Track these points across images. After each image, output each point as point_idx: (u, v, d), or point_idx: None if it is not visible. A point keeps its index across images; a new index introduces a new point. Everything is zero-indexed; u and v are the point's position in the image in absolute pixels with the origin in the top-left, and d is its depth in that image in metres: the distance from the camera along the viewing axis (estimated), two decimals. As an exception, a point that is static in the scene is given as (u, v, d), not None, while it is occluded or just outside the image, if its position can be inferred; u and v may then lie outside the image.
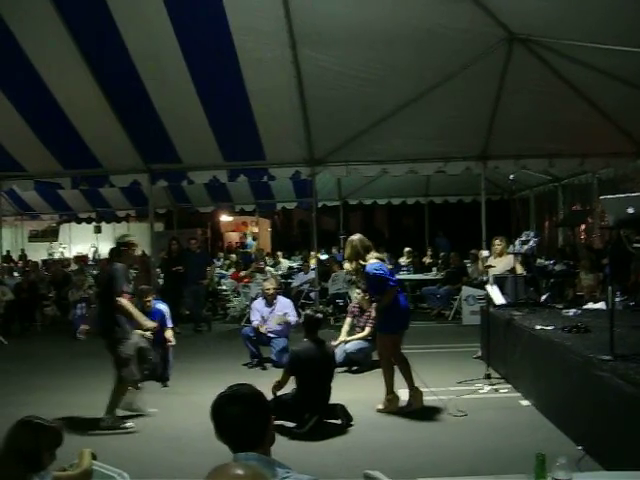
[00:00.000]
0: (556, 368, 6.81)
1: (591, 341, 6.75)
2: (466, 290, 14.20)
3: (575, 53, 10.03)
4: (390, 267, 8.63)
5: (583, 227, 18.43)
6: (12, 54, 10.47)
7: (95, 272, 18.16)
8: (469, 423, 7.03)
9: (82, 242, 27.83)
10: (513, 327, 8.51)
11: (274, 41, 10.27)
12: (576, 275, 13.20)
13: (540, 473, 2.68)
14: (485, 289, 10.00)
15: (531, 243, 9.89)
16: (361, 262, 7.60)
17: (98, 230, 24.43)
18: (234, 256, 21.60)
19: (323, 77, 11.03)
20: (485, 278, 10.76)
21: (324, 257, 19.93)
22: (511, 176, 10.59)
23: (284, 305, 10.74)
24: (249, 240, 28.13)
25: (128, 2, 9.84)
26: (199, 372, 9.61)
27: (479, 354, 10.04)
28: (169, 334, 9.21)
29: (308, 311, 7.77)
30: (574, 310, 9.14)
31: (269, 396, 2.69)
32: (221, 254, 24.00)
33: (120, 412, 7.41)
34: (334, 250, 22.22)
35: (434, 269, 17.59)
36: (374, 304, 8.43)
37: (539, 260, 15.77)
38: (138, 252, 7.94)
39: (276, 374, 7.72)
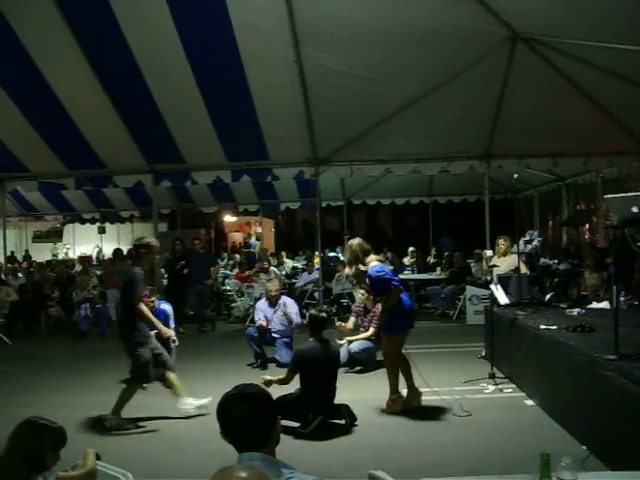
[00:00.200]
0: (560, 368, 6.79)
1: (596, 341, 6.73)
2: (470, 290, 14.18)
3: (578, 52, 10.00)
4: (391, 268, 8.62)
5: (587, 226, 18.40)
6: (15, 54, 10.48)
7: (99, 272, 18.20)
8: (473, 423, 7.02)
9: (86, 243, 27.91)
10: (517, 327, 8.50)
11: (277, 40, 10.26)
12: (580, 274, 13.18)
13: (545, 473, 2.67)
14: (489, 289, 9.98)
15: (535, 242, 9.89)
16: (360, 267, 7.59)
17: (102, 231, 24.47)
18: (238, 256, 21.61)
19: (326, 76, 11.02)
20: (489, 278, 10.75)
21: (332, 254, 19.92)
22: (515, 175, 10.56)
23: (288, 306, 10.72)
24: (253, 240, 28.14)
25: (131, 1, 9.83)
26: (202, 372, 9.61)
27: (483, 354, 10.02)
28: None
29: (313, 311, 7.76)
30: (578, 309, 9.12)
31: (275, 394, 2.72)
32: (225, 254, 24.01)
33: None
34: (338, 250, 22.21)
35: (438, 269, 17.56)
36: (378, 304, 8.44)
37: (543, 259, 15.73)
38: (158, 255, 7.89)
39: (280, 374, 7.72)
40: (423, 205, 23.16)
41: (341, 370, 7.79)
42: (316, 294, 14.99)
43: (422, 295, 16.56)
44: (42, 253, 26.32)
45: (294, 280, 17.31)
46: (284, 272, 18.67)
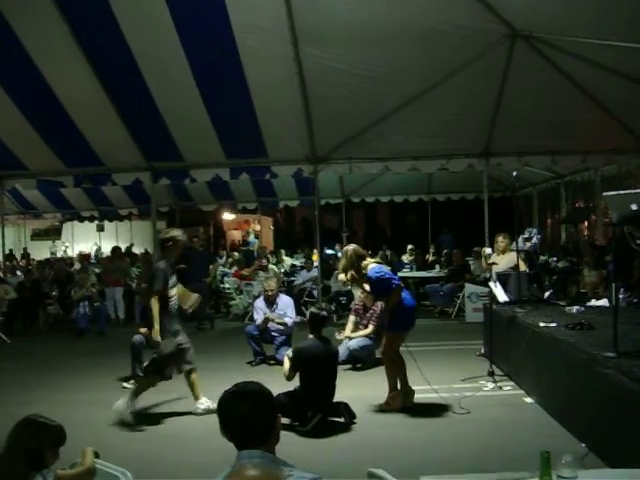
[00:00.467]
0: (560, 365, 6.79)
1: (595, 338, 6.72)
2: (469, 287, 14.19)
3: (578, 49, 10.01)
4: (389, 269, 8.64)
5: (586, 224, 18.42)
6: (14, 53, 10.49)
7: (97, 270, 18.18)
8: (472, 420, 7.02)
9: (85, 241, 27.88)
10: (516, 324, 8.50)
11: (276, 38, 10.26)
12: (579, 272, 13.19)
13: (545, 470, 2.67)
14: (488, 286, 9.98)
15: (534, 240, 9.89)
16: (354, 273, 7.59)
17: (101, 228, 24.45)
18: (236, 254, 21.60)
19: (325, 75, 11.03)
20: (488, 275, 10.74)
21: (331, 252, 19.91)
22: (514, 173, 10.55)
23: (285, 304, 10.71)
24: (251, 238, 28.11)
25: (130, 0, 9.83)
26: (201, 370, 9.54)
27: (482, 351, 10.02)
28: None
29: (314, 308, 7.76)
30: (577, 307, 9.12)
31: (275, 392, 2.71)
32: (223, 252, 23.99)
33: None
34: (337, 247, 22.21)
35: (437, 266, 17.57)
36: (378, 302, 8.47)
37: (542, 257, 15.76)
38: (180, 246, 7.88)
39: (279, 372, 7.71)
40: (422, 203, 23.17)
41: (340, 367, 7.78)
42: (315, 292, 14.99)
43: (421, 293, 16.55)
44: (41, 251, 26.28)
45: (293, 278, 17.30)
46: (283, 270, 18.68)
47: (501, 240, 10.91)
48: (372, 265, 7.61)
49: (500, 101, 11.79)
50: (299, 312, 12.14)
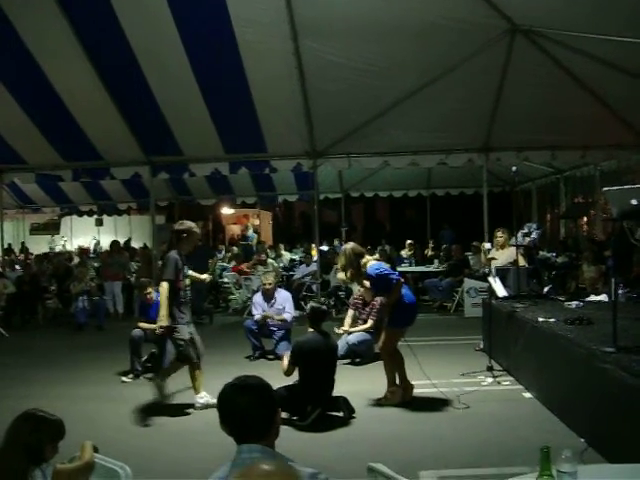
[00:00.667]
0: (559, 360, 6.79)
1: (594, 333, 6.72)
2: (468, 282, 14.19)
3: (578, 44, 9.99)
4: (388, 265, 8.66)
5: (585, 219, 18.42)
6: (12, 46, 10.47)
7: (96, 265, 18.17)
8: (471, 415, 7.02)
9: (83, 235, 27.86)
10: (515, 319, 8.49)
11: (275, 33, 10.25)
12: (578, 267, 13.19)
13: (545, 466, 2.66)
14: (487, 281, 9.98)
15: (533, 235, 9.90)
16: (353, 271, 7.60)
17: (99, 223, 24.42)
18: (235, 248, 21.58)
19: (324, 69, 11.01)
20: (487, 270, 10.75)
21: (325, 248, 19.88)
22: (514, 168, 10.55)
23: (283, 299, 10.71)
24: (250, 232, 28.10)
25: (129, -6, 9.84)
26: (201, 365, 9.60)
27: (481, 346, 10.02)
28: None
29: (314, 303, 7.77)
30: (576, 302, 9.11)
31: (275, 386, 2.71)
32: (222, 247, 23.98)
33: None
34: (336, 242, 22.20)
35: (436, 261, 17.57)
36: (378, 297, 8.48)
37: (541, 252, 15.75)
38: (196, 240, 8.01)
39: (278, 367, 7.72)
40: (421, 198, 23.16)
41: (339, 362, 7.77)
42: (314, 286, 14.98)
43: (420, 288, 16.55)
44: (39, 245, 26.25)
45: (292, 273, 17.29)
46: (282, 265, 18.66)
47: (500, 235, 10.91)
48: (371, 262, 7.64)
49: (500, 96, 11.78)
50: (298, 307, 12.14)
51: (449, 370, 8.85)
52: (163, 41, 10.59)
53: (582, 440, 5.73)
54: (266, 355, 10.35)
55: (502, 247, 10.79)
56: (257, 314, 10.53)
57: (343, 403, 7.10)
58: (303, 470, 2.53)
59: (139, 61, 10.94)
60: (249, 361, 10.21)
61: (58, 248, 26.58)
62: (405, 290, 7.68)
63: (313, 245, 17.34)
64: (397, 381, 7.68)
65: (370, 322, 9.81)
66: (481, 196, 14.47)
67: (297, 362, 7.10)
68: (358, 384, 8.31)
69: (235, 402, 2.67)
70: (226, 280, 16.93)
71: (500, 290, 9.47)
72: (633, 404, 4.95)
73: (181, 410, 7.57)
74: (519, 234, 10.05)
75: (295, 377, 7.17)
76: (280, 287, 11.56)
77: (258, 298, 10.81)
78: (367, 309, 10.01)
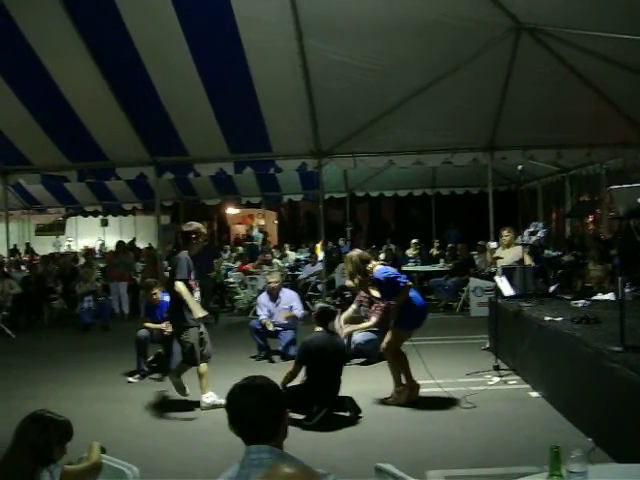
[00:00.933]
0: (566, 359, 6.77)
1: (601, 332, 6.70)
2: (474, 281, 14.16)
3: (583, 42, 9.95)
4: (395, 270, 8.67)
5: (591, 218, 18.37)
6: (17, 47, 10.47)
7: (102, 265, 18.20)
8: (478, 415, 7.00)
9: (88, 235, 27.92)
10: (522, 318, 8.47)
11: (280, 32, 10.23)
12: (584, 266, 13.15)
13: (555, 466, 2.65)
14: (493, 280, 9.96)
15: (539, 234, 9.84)
16: (361, 278, 7.64)
17: (105, 223, 24.47)
18: (241, 248, 21.60)
19: (329, 68, 11.00)
20: (494, 269, 10.72)
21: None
22: (519, 167, 10.53)
23: (289, 298, 10.69)
24: (255, 232, 28.12)
25: (133, -7, 9.84)
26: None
27: (487, 346, 10.01)
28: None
29: (322, 303, 7.79)
30: (583, 301, 9.09)
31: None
32: (227, 247, 24.00)
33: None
34: (341, 241, 22.19)
35: (441, 260, 17.55)
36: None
37: (547, 251, 15.73)
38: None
39: (284, 367, 7.72)
40: (426, 197, 23.14)
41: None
42: (319, 286, 14.97)
43: (425, 287, 16.52)
44: (45, 246, 26.33)
45: (297, 272, 17.29)
46: (287, 264, 18.66)
47: (506, 234, 10.88)
48: (378, 267, 7.67)
49: (505, 94, 11.74)
50: (303, 306, 12.13)
51: (455, 370, 8.84)
52: (167, 41, 10.58)
53: (589, 439, 5.71)
54: (271, 355, 10.34)
55: (508, 246, 10.76)
56: (262, 314, 10.51)
57: (349, 403, 7.09)
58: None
59: (143, 61, 10.94)
60: (255, 361, 10.21)
61: (63, 249, 26.63)
62: (414, 293, 7.70)
63: (317, 245, 17.35)
64: (403, 381, 7.68)
65: (374, 319, 9.78)
66: (486, 195, 14.43)
67: (303, 362, 7.09)
68: (364, 384, 8.29)
69: (243, 403, 2.66)
70: (231, 280, 16.94)
71: (506, 289, 9.45)
72: (641, 403, 4.94)
73: (188, 410, 7.57)
74: (525, 233, 10.00)
75: (300, 377, 7.16)
76: (285, 287, 11.54)
77: (263, 298, 10.80)
78: (373, 307, 9.98)
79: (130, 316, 15.02)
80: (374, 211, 35.91)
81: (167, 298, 9.44)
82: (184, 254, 7.68)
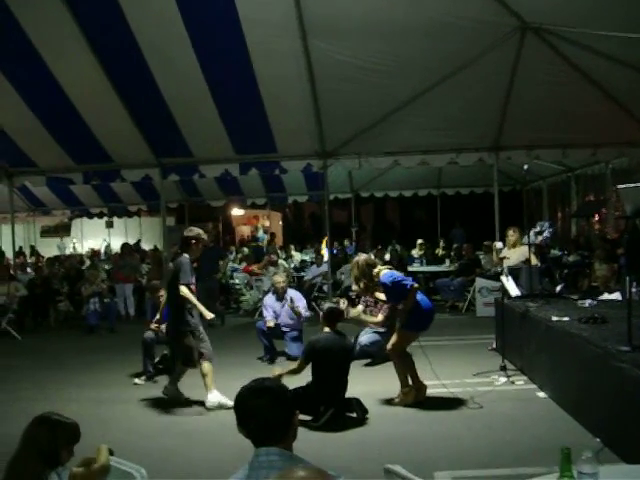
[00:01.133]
0: (573, 359, 6.75)
1: (608, 332, 6.69)
2: (479, 282, 14.14)
3: (588, 41, 9.91)
4: (401, 273, 8.66)
5: (597, 217, 18.32)
6: (23, 50, 10.46)
7: (107, 267, 18.22)
8: (485, 415, 6.99)
9: (94, 237, 27.92)
10: (529, 318, 8.46)
11: (284, 32, 10.21)
12: (590, 266, 13.12)
13: (566, 467, 2.63)
14: (499, 280, 9.94)
15: (546, 234, 9.83)
16: (367, 282, 7.71)
17: (110, 225, 24.46)
18: (246, 249, 21.60)
19: (334, 69, 10.97)
20: (500, 269, 10.71)
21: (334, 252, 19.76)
22: (525, 166, 10.52)
23: (295, 299, 10.70)
24: (260, 233, 28.13)
25: (138, -5, 9.83)
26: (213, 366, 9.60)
27: (494, 346, 9.99)
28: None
29: (330, 303, 7.80)
30: (590, 301, 9.07)
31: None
32: (233, 247, 24.00)
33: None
34: (346, 242, 22.17)
35: (447, 261, 17.53)
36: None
37: (552, 251, 15.69)
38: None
39: (291, 367, 7.70)
40: (431, 197, 23.10)
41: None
42: (325, 287, 14.96)
43: (431, 287, 16.50)
44: (50, 248, 26.33)
45: (303, 273, 17.28)
46: (292, 265, 18.66)
47: (511, 234, 10.87)
48: (384, 271, 7.68)
49: (510, 94, 11.71)
50: (309, 307, 12.11)
51: (462, 370, 8.83)
52: (172, 42, 10.56)
53: (597, 440, 5.69)
54: (278, 356, 10.34)
55: (514, 246, 10.75)
56: (268, 316, 10.51)
57: (356, 404, 7.08)
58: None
59: (148, 62, 10.92)
60: (261, 362, 10.20)
61: (68, 251, 26.65)
62: (421, 296, 7.71)
63: (323, 245, 17.34)
64: (410, 381, 7.67)
65: (381, 317, 9.73)
66: (491, 195, 14.41)
67: (309, 360, 7.08)
68: (370, 385, 8.28)
69: (252, 405, 2.65)
70: (237, 281, 16.94)
71: (513, 289, 9.43)
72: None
73: (194, 411, 7.58)
74: (531, 232, 9.98)
75: (306, 378, 7.14)
76: (291, 287, 11.53)
77: (269, 300, 10.81)
78: (378, 306, 9.94)
79: (136, 318, 15.04)
80: (379, 212, 35.87)
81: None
82: (186, 258, 7.80)
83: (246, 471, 2.53)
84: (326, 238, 16.11)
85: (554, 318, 7.71)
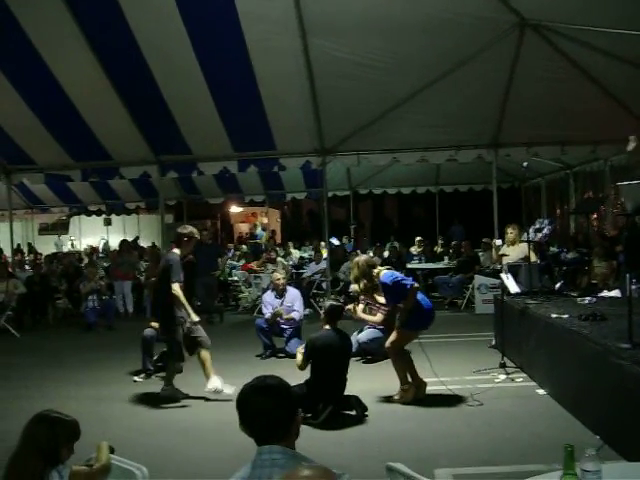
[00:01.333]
0: (573, 356, 6.74)
1: (608, 329, 6.68)
2: (478, 279, 14.13)
3: (587, 38, 9.91)
4: (401, 273, 8.67)
5: (595, 215, 18.31)
6: (21, 47, 10.44)
7: (105, 264, 18.19)
8: (485, 412, 6.98)
9: (92, 235, 27.89)
10: (528, 316, 8.45)
11: (283, 30, 10.20)
12: (589, 263, 13.10)
13: (569, 464, 2.62)
14: (498, 277, 9.93)
15: (545, 231, 9.81)
16: (367, 282, 7.76)
17: (108, 222, 24.43)
18: (244, 247, 21.58)
19: (333, 66, 10.97)
20: (499, 266, 10.70)
21: (336, 242, 19.74)
22: (525, 164, 10.51)
23: (293, 297, 10.69)
24: (259, 231, 28.09)
25: (137, -7, 9.81)
26: (212, 363, 9.58)
27: (493, 343, 9.99)
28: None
29: (331, 301, 7.79)
30: (589, 298, 9.05)
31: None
32: (231, 245, 23.98)
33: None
34: (345, 239, 22.16)
35: (446, 258, 17.52)
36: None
37: (551, 248, 15.68)
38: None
39: (289, 365, 7.69)
40: (430, 194, 23.09)
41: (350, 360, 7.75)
42: (324, 284, 14.94)
43: (430, 284, 16.49)
44: (48, 245, 26.30)
45: (301, 270, 17.26)
46: (291, 262, 18.64)
47: (511, 231, 10.86)
48: (384, 272, 7.71)
49: (509, 91, 11.70)
50: (308, 304, 12.10)
51: (462, 367, 8.84)
52: (171, 39, 10.55)
53: (597, 437, 5.68)
54: (277, 353, 10.33)
55: (513, 243, 10.74)
56: (267, 313, 10.50)
57: (355, 402, 7.07)
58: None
59: (147, 60, 10.91)
60: (260, 359, 10.19)
61: (65, 248, 26.61)
62: (422, 296, 7.74)
63: (322, 243, 17.32)
64: (409, 379, 7.66)
65: (380, 316, 9.72)
66: (490, 192, 14.40)
67: (310, 357, 7.08)
68: (370, 382, 8.29)
69: (255, 403, 2.64)
70: (236, 278, 16.93)
71: (512, 286, 9.42)
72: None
73: (194, 409, 7.57)
74: (531, 230, 9.97)
75: (307, 375, 7.14)
76: (289, 285, 11.52)
77: (268, 297, 10.80)
78: (377, 305, 9.93)
79: (134, 315, 15.03)
80: (377, 209, 35.85)
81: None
82: (176, 255, 7.90)
83: (249, 469, 2.51)
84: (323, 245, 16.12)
85: (554, 315, 7.70)
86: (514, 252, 10.46)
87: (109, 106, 12.01)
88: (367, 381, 8.30)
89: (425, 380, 7.70)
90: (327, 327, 7.25)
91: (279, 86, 11.61)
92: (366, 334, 9.83)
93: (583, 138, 13.06)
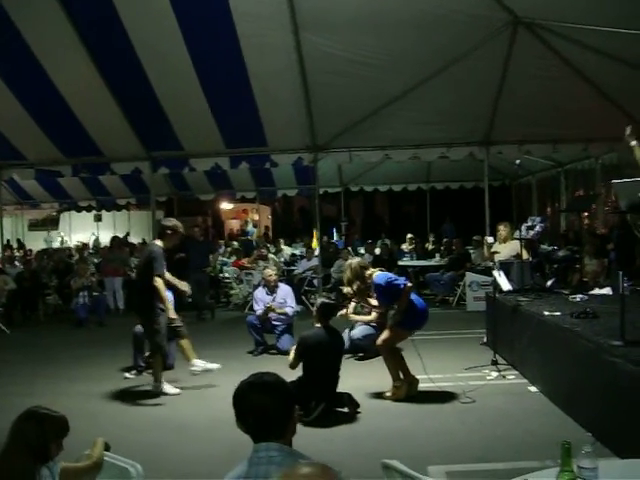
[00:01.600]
0: (565, 354, 6.75)
1: (600, 326, 6.69)
2: (470, 276, 14.14)
3: (580, 36, 9.94)
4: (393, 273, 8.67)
5: (586, 213, 18.36)
6: (12, 42, 10.39)
7: (96, 260, 18.13)
8: (478, 410, 6.98)
9: (82, 231, 27.78)
10: (520, 313, 8.45)
11: (276, 26, 10.19)
12: (579, 261, 13.13)
13: (566, 461, 2.61)
14: (490, 275, 9.94)
15: (537, 228, 9.82)
16: (360, 284, 7.73)
17: (98, 218, 24.34)
18: (235, 243, 21.54)
19: (325, 62, 10.96)
20: (491, 264, 10.71)
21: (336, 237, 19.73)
22: (517, 161, 10.53)
23: (285, 293, 10.66)
24: (250, 227, 28.03)
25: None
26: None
27: (485, 340, 9.99)
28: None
29: (323, 298, 7.78)
30: (581, 296, 9.06)
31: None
32: (222, 241, 23.92)
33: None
34: (335, 236, 22.15)
35: (437, 255, 17.54)
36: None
37: (542, 246, 15.71)
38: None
39: (280, 362, 7.67)
40: (421, 192, 23.12)
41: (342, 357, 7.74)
42: (315, 281, 14.93)
43: (421, 282, 16.49)
44: (38, 241, 26.19)
45: (293, 267, 17.24)
46: (282, 259, 18.61)
47: (502, 229, 10.88)
48: (377, 273, 7.71)
49: (501, 89, 11.72)
50: (299, 301, 12.07)
51: (453, 364, 8.84)
52: (163, 35, 10.52)
53: (589, 434, 5.68)
54: (269, 350, 10.31)
55: (504, 241, 10.76)
56: (259, 309, 10.47)
57: (348, 399, 7.06)
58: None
59: (139, 55, 10.88)
60: (252, 356, 10.17)
61: (55, 244, 26.49)
62: (415, 296, 7.76)
63: (314, 239, 17.32)
64: (401, 376, 7.66)
65: (374, 314, 9.70)
66: (481, 190, 14.43)
67: (302, 355, 7.06)
68: (362, 379, 8.27)
69: (252, 400, 2.62)
70: (227, 275, 16.89)
71: (504, 284, 9.43)
72: (643, 398, 4.92)
73: (187, 406, 7.54)
74: (523, 227, 9.98)
75: (299, 372, 7.12)
76: (281, 282, 11.49)
77: (259, 293, 10.76)
78: (369, 307, 9.89)
79: (125, 311, 14.98)
80: (368, 206, 35.88)
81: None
82: (159, 247, 7.86)
83: (245, 467, 2.49)
84: (316, 233, 16.08)
85: (546, 313, 7.71)
86: (505, 249, 10.48)
87: (101, 102, 11.97)
88: (359, 378, 8.28)
89: (419, 377, 7.69)
90: (319, 325, 7.24)
91: (271, 82, 11.59)
92: (359, 331, 9.81)
93: (575, 136, 13.11)
